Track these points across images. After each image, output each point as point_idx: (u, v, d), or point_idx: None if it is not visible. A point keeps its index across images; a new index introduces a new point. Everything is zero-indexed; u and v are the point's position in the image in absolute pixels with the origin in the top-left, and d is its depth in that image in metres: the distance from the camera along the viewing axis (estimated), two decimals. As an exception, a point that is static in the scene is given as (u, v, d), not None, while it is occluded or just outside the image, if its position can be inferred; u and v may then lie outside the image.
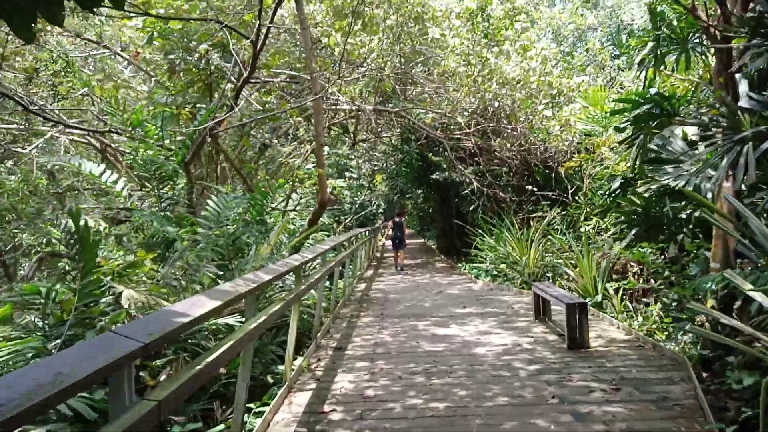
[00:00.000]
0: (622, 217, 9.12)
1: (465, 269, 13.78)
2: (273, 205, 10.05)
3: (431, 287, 11.47)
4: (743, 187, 6.26)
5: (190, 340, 4.92)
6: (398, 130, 20.01)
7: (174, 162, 7.36)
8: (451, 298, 9.82)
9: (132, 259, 5.88)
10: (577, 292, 8.94)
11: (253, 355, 6.14)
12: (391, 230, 17.44)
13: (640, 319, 7.36)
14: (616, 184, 11.23)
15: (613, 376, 5.10)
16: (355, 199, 20.89)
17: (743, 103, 5.92)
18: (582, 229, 12.13)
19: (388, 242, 19.98)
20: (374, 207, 29.09)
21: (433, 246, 28.56)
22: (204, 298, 2.90)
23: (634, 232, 8.82)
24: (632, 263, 9.84)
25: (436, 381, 5.16)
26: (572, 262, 9.81)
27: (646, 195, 8.19)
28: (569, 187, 14.27)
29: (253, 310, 3.66)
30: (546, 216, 13.42)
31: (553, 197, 14.49)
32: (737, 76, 6.29)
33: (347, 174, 16.23)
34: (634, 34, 20.27)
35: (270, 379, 5.81)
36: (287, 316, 5.44)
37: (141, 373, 4.34)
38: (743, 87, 6.16)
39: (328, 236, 12.88)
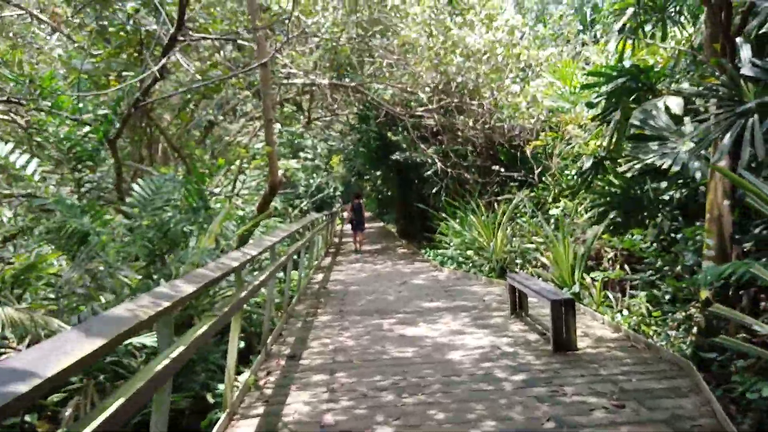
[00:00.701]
0: (599, 199, 8.48)
1: (429, 256, 13.01)
2: (216, 190, 8.96)
3: (394, 277, 10.65)
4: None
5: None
6: (356, 107, 18.98)
7: (95, 140, 6.20)
8: (417, 290, 9.03)
9: (32, 259, 4.78)
10: (553, 281, 8.29)
11: (192, 366, 5.19)
12: (349, 213, 17.30)
13: (625, 312, 6.75)
14: (587, 164, 10.60)
15: (611, 387, 4.39)
16: (311, 181, 19.80)
17: (746, 71, 5.23)
18: (551, 212, 11.54)
19: (348, 226, 20.09)
20: (331, 189, 28.06)
21: (393, 230, 27.80)
22: (75, 336, 1.93)
23: (612, 215, 8.20)
24: (606, 249, 9.30)
25: (408, 399, 4.33)
26: (544, 247, 9.16)
27: (628, 175, 7.54)
28: (535, 167, 13.66)
29: (166, 339, 2.69)
30: (513, 198, 12.77)
31: (519, 178, 13.86)
32: (738, 40, 5.63)
33: (302, 155, 15.16)
34: (599, 8, 19.82)
35: (210, 398, 4.87)
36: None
37: (27, 418, 3.32)
38: (746, 53, 5.48)
39: (282, 222, 11.86)
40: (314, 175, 21.06)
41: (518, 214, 12.32)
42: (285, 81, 13.58)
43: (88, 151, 5.70)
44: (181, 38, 4.97)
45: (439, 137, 14.02)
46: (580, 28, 17.88)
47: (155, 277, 5.32)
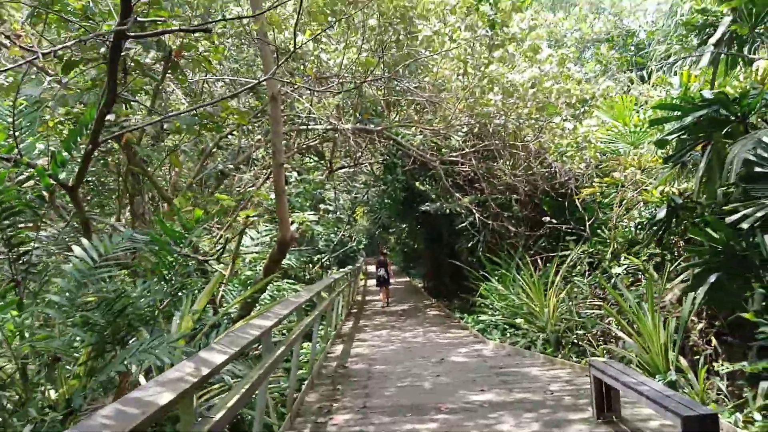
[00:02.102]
0: (697, 258, 6.64)
1: (467, 322, 11.12)
2: (212, 247, 7.41)
3: (428, 350, 8.80)
4: None
5: None
6: (381, 155, 17.62)
7: (40, 188, 4.73)
8: (460, 372, 7.17)
9: None
10: (640, 367, 6.39)
11: None
12: (376, 268, 17.40)
13: (758, 416, 4.82)
14: (661, 214, 8.85)
15: None
16: (331, 236, 18.26)
17: None
18: (614, 271, 9.69)
19: (371, 281, 19.47)
20: (354, 243, 26.50)
21: (420, 286, 25.94)
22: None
23: (713, 278, 6.35)
24: (693, 318, 7.42)
25: None
26: (625, 319, 7.28)
27: (743, 225, 5.73)
28: (587, 218, 11.88)
29: None
30: (566, 254, 10.96)
31: (568, 231, 12.07)
32: None
33: (322, 206, 13.70)
34: (644, 43, 18.42)
35: None
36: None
37: None
38: None
39: (296, 284, 10.21)
40: (336, 228, 19.55)
41: (573, 274, 10.48)
42: (304, 127, 12.28)
43: (21, 204, 4.20)
44: (131, 34, 3.52)
45: (476, 185, 12.40)
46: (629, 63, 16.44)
47: (97, 380, 3.69)
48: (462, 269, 17.57)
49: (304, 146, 13.88)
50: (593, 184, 11.54)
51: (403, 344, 9.54)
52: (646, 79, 17.26)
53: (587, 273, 10.44)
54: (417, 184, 18.20)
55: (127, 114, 5.61)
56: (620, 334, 7.10)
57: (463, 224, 13.09)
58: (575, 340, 9.16)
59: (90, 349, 4.18)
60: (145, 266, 4.64)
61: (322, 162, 16.18)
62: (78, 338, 4.20)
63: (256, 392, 3.71)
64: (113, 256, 4.03)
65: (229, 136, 12.82)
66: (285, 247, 7.28)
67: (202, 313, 5.65)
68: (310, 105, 11.81)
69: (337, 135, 13.78)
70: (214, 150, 13.31)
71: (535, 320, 9.50)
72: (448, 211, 14.61)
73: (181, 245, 4.26)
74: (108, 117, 5.35)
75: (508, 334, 9.65)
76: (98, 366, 3.91)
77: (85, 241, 3.99)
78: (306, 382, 6.55)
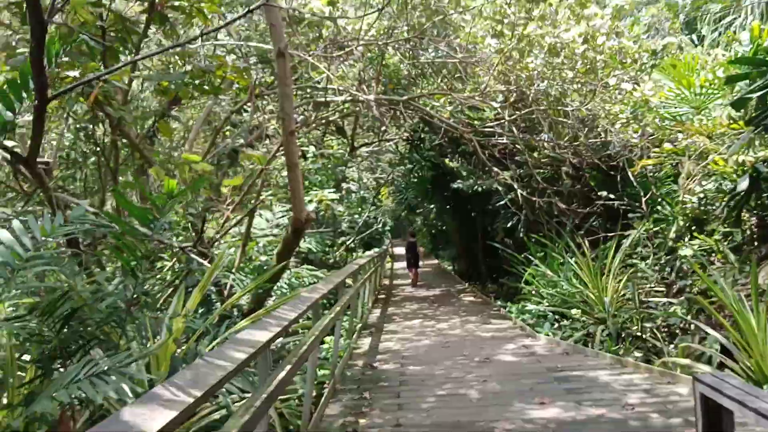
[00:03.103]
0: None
1: (510, 311, 9.90)
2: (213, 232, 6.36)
3: (470, 347, 7.64)
4: None
5: None
6: (406, 132, 16.38)
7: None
8: (511, 376, 6.01)
9: None
10: (737, 372, 5.16)
11: None
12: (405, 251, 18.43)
13: None
14: (743, 185, 7.51)
15: None
16: (356, 216, 17.15)
17: None
18: (681, 253, 8.37)
19: (397, 264, 21.31)
20: (380, 225, 25.39)
21: (449, 268, 24.76)
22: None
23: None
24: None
25: None
26: (722, 311, 6.00)
27: None
28: (642, 193, 10.52)
29: None
30: (620, 234, 9.65)
31: (624, 207, 10.72)
32: None
33: (344, 185, 12.58)
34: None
35: None
36: None
37: None
38: None
39: (316, 271, 9.15)
40: (360, 209, 18.44)
41: (633, 257, 9.19)
42: (322, 98, 11.11)
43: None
44: None
45: (516, 158, 11.10)
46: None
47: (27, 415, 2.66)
48: (497, 251, 16.36)
49: (323, 121, 12.74)
50: (649, 155, 10.15)
51: (439, 337, 8.41)
52: (697, 43, 15.58)
53: (656, 255, 9.13)
54: (446, 161, 16.95)
55: (97, 67, 4.52)
56: (711, 331, 5.84)
57: (501, 202, 11.82)
58: (638, 333, 7.94)
59: (35, 367, 3.17)
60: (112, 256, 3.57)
61: (344, 139, 15.05)
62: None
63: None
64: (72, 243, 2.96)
65: (244, 114, 11.75)
66: (300, 228, 6.18)
67: (194, 314, 4.62)
68: (328, 74, 10.66)
69: (358, 108, 12.60)
70: (227, 127, 12.29)
71: (591, 310, 8.27)
72: (481, 189, 13.38)
73: (153, 228, 3.18)
74: (73, 74, 4.30)
75: (561, 327, 8.44)
76: (38, 392, 2.87)
77: (16, 223, 2.93)
78: (327, 389, 5.49)
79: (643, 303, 8.26)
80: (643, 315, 7.91)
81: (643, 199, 10.42)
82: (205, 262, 6.05)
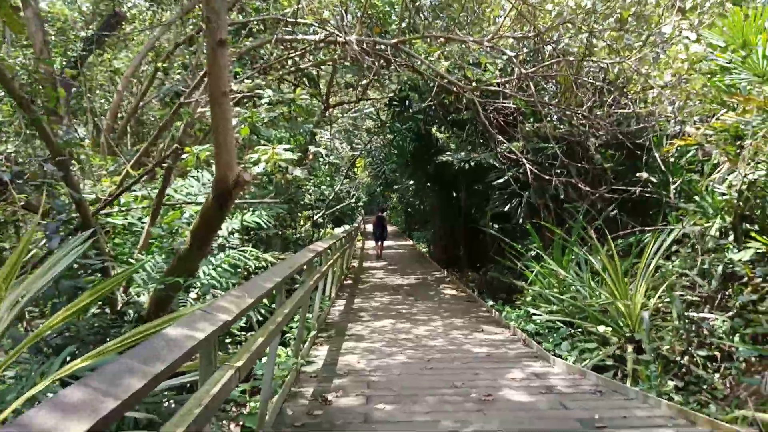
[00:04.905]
0: None
1: (508, 317, 7.87)
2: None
3: (460, 370, 5.60)
4: None
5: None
6: (391, 91, 14.15)
7: None
8: (526, 432, 4.03)
9: None
10: None
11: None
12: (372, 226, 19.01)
13: None
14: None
15: None
16: (324, 188, 14.93)
17: None
18: (734, 256, 6.50)
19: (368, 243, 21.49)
20: (353, 200, 23.27)
21: (425, 251, 22.82)
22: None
23: None
24: None
25: None
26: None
27: None
28: (671, 179, 8.64)
29: None
30: (646, 229, 7.74)
31: (644, 196, 8.85)
32: None
33: (312, 148, 10.35)
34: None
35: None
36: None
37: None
38: None
39: (261, 255, 6.98)
40: (330, 180, 16.25)
41: (669, 258, 7.29)
42: (290, 36, 8.82)
43: None
44: None
45: (526, 127, 9.04)
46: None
47: None
48: (479, 236, 14.49)
49: (292, 67, 10.43)
50: (684, 132, 8.20)
51: (418, 351, 6.38)
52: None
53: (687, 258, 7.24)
54: (434, 129, 14.83)
55: None
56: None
57: (500, 180, 9.79)
58: (677, 358, 6.08)
59: None
60: None
61: (316, 94, 12.75)
62: None
63: None
64: None
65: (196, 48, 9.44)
66: (225, 194, 4.02)
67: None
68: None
69: (336, 56, 10.33)
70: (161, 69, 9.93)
71: (619, 325, 6.35)
72: (472, 164, 11.34)
73: None
74: None
75: (573, 342, 6.51)
76: None
77: None
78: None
79: (692, 320, 6.40)
80: (690, 334, 6.04)
81: (672, 187, 8.55)
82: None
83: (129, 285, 5.14)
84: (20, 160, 4.58)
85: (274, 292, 3.77)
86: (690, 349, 5.98)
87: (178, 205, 6.30)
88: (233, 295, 2.86)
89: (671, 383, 5.73)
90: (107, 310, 4.85)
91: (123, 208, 5.95)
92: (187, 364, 2.82)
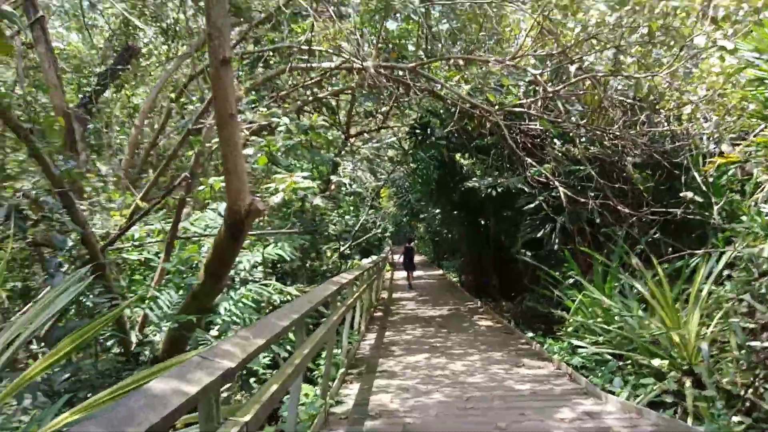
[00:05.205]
0: None
1: (551, 350, 7.34)
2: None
3: (503, 411, 5.08)
4: None
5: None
6: (412, 120, 13.96)
7: None
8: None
9: None
10: None
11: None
12: (401, 257, 20.40)
13: None
14: None
15: None
16: (347, 218, 14.67)
17: None
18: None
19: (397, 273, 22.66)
20: (379, 230, 22.95)
21: (455, 280, 22.28)
22: None
23: None
24: None
25: None
26: None
27: None
28: (714, 200, 8.12)
29: None
30: (695, 252, 7.21)
31: (684, 219, 8.33)
32: None
33: (334, 178, 10.13)
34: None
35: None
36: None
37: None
38: None
39: (285, 289, 6.66)
40: (355, 210, 16.00)
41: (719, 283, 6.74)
42: (304, 63, 8.70)
43: None
44: None
45: (554, 149, 8.67)
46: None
47: None
48: (511, 264, 13.98)
49: (310, 97, 10.31)
50: (722, 151, 7.71)
51: (456, 389, 5.92)
52: None
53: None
54: (457, 156, 14.56)
55: None
56: None
57: (531, 205, 9.38)
58: (740, 392, 5.50)
59: None
60: None
61: (335, 124, 12.62)
62: None
63: None
64: None
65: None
66: (238, 224, 3.75)
67: None
68: (313, 29, 8.29)
69: (354, 84, 10.18)
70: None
71: (672, 357, 5.82)
72: (499, 190, 10.96)
73: None
74: None
75: (623, 376, 5.98)
76: None
77: None
78: None
79: (741, 348, 5.85)
80: (752, 365, 5.47)
81: (715, 208, 8.02)
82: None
83: (144, 324, 4.87)
84: (34, 195, 4.42)
85: (293, 328, 3.43)
86: (755, 381, 5.40)
87: (195, 239, 6.07)
88: (240, 337, 2.54)
89: (735, 419, 5.19)
90: (122, 350, 4.57)
91: (136, 243, 5.74)
92: (184, 418, 2.48)
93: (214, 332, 5.50)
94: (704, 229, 8.72)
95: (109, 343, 4.53)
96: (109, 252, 4.95)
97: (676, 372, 5.63)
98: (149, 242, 5.90)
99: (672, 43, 7.40)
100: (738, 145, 7.62)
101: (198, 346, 4.99)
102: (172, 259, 5.30)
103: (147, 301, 4.96)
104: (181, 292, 5.36)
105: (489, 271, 16.16)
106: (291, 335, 5.76)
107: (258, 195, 7.18)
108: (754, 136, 7.30)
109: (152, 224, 6.14)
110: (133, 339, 4.77)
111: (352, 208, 15.90)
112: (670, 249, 8.48)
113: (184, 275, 5.60)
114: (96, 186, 10.70)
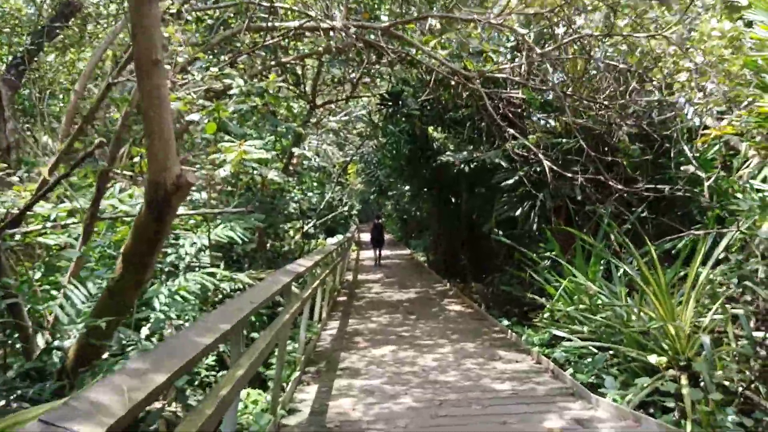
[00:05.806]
0: None
1: (529, 341, 6.68)
2: None
3: (482, 418, 4.48)
4: None
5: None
6: (384, 86, 13.06)
7: None
8: None
9: None
10: None
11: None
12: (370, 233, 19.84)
13: None
14: None
15: None
16: (310, 195, 13.78)
17: None
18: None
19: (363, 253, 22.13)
20: (346, 208, 22.15)
21: (423, 260, 21.67)
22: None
23: None
24: None
25: None
26: None
27: None
28: (703, 176, 7.56)
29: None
30: (691, 233, 6.64)
31: (670, 194, 7.77)
32: None
33: (296, 150, 9.21)
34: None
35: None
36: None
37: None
38: None
39: (236, 275, 5.81)
40: (319, 186, 15.12)
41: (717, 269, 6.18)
42: (266, 20, 7.72)
43: None
44: None
45: (540, 120, 7.95)
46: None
47: None
48: (484, 243, 13.40)
49: (273, 62, 9.31)
50: (729, 122, 7.13)
51: (426, 390, 5.21)
52: None
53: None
54: (430, 130, 13.78)
55: None
56: None
57: (510, 180, 8.69)
58: (739, 387, 4.97)
59: None
60: None
61: (300, 93, 11.64)
62: None
63: None
64: None
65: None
66: (163, 201, 2.88)
67: None
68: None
69: (321, 48, 9.22)
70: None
71: (664, 349, 5.24)
72: (474, 164, 10.27)
73: None
74: None
75: (615, 373, 5.38)
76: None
77: None
78: None
79: (739, 339, 5.32)
80: (753, 359, 4.93)
81: (705, 185, 7.46)
82: None
83: (55, 325, 3.99)
84: None
85: (224, 341, 2.62)
86: (755, 378, 4.86)
87: (128, 219, 5.15)
88: (127, 372, 1.71)
89: (730, 417, 4.65)
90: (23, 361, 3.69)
91: (48, 224, 4.80)
92: None
93: (145, 330, 4.64)
94: (688, 208, 8.22)
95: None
96: (7, 235, 4.03)
97: (671, 369, 5.05)
98: (70, 223, 4.96)
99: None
100: (722, 119, 7.05)
101: (128, 351, 4.11)
102: (92, 245, 4.40)
103: (60, 296, 4.08)
104: (105, 284, 4.47)
105: (459, 249, 15.55)
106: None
107: (198, 166, 6.26)
108: (755, 107, 6.72)
109: (67, 201, 5.19)
110: (41, 344, 3.89)
111: (316, 184, 14.99)
112: (655, 228, 7.95)
113: (113, 264, 4.69)
114: (29, 160, 9.50)
